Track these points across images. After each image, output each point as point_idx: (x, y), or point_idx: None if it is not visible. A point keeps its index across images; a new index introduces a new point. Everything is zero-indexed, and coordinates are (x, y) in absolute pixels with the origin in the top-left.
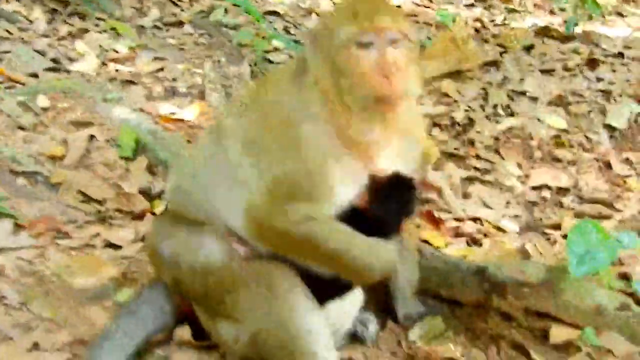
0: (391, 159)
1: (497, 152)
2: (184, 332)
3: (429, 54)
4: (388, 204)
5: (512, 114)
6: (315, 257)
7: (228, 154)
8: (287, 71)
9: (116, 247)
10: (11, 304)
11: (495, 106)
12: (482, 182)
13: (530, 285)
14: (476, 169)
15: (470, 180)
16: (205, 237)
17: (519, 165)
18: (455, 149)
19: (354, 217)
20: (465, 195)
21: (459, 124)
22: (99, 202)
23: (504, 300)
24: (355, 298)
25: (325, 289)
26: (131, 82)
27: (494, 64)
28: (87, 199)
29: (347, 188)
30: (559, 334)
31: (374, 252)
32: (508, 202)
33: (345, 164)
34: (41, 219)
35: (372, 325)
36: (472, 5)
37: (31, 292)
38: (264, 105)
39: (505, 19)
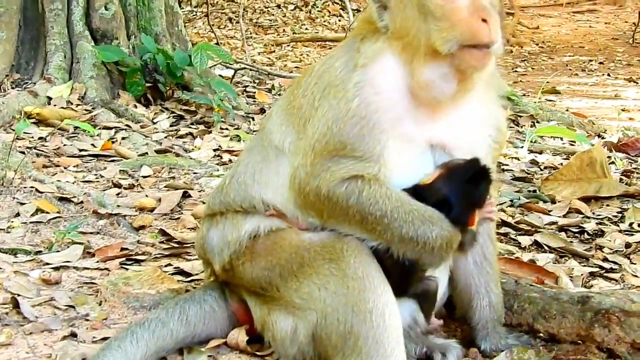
0: (455, 127)
1: (626, 257)
2: (239, 336)
3: (562, 173)
4: (455, 185)
5: None
6: (363, 224)
7: (271, 131)
8: (344, 41)
9: (187, 274)
10: (59, 306)
11: (631, 224)
12: (607, 278)
13: None
14: (601, 267)
15: (593, 275)
16: (249, 215)
17: None
18: (581, 250)
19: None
20: (586, 287)
21: (588, 233)
22: (179, 243)
23: (608, 333)
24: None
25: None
26: None
27: (635, 197)
28: (168, 238)
29: (402, 149)
30: None
31: (429, 221)
32: None
33: (401, 121)
34: (112, 246)
35: (453, 355)
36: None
37: (83, 297)
38: (313, 71)
39: None
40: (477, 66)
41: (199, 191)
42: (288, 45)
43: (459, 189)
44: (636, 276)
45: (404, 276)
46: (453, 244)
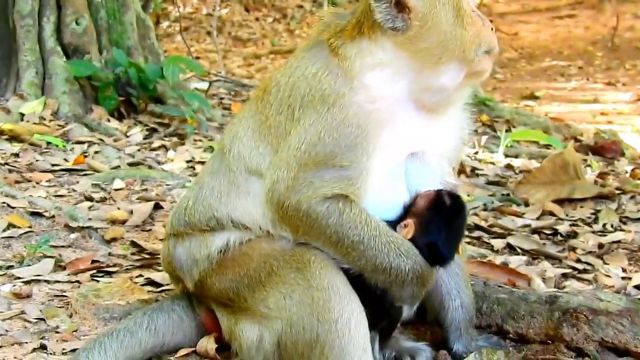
0: (435, 134)
1: (599, 257)
2: (208, 344)
3: (535, 176)
4: (436, 231)
5: (622, 230)
6: (338, 246)
7: (243, 155)
8: (301, 50)
9: (157, 284)
10: (29, 319)
11: (604, 225)
12: (580, 279)
13: (607, 314)
14: (574, 268)
15: (565, 276)
16: (218, 231)
17: (623, 270)
18: (554, 252)
19: None
20: (559, 288)
21: (561, 235)
22: (150, 254)
23: (577, 332)
24: None
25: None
26: None
27: (609, 198)
28: (139, 249)
29: (383, 159)
30: None
31: (404, 255)
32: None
33: (390, 129)
34: (83, 259)
35: (422, 358)
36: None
37: (53, 310)
38: (279, 86)
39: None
40: (487, 70)
41: (171, 202)
42: (267, 58)
43: (441, 233)
44: (609, 276)
45: (376, 311)
46: (425, 281)
